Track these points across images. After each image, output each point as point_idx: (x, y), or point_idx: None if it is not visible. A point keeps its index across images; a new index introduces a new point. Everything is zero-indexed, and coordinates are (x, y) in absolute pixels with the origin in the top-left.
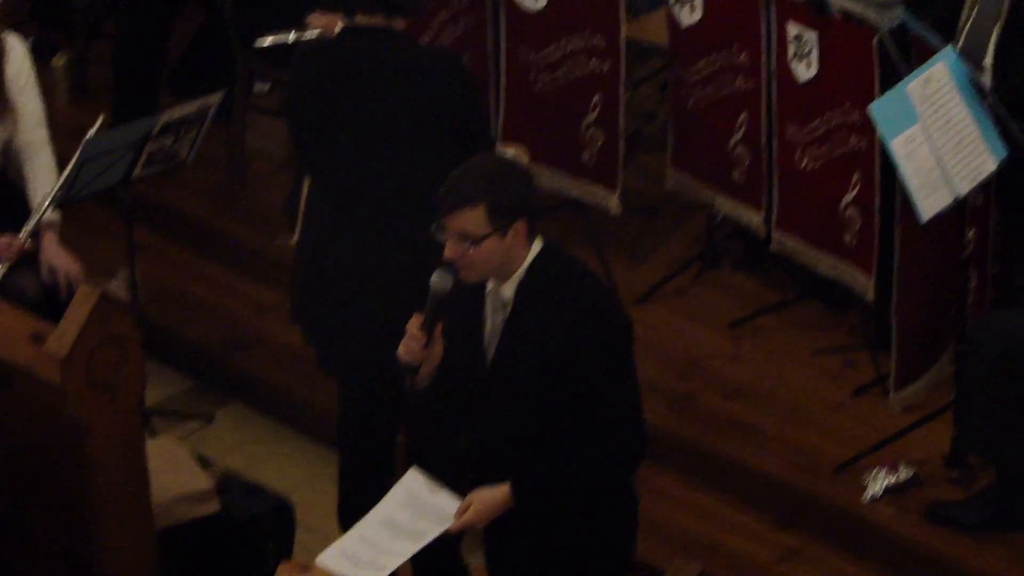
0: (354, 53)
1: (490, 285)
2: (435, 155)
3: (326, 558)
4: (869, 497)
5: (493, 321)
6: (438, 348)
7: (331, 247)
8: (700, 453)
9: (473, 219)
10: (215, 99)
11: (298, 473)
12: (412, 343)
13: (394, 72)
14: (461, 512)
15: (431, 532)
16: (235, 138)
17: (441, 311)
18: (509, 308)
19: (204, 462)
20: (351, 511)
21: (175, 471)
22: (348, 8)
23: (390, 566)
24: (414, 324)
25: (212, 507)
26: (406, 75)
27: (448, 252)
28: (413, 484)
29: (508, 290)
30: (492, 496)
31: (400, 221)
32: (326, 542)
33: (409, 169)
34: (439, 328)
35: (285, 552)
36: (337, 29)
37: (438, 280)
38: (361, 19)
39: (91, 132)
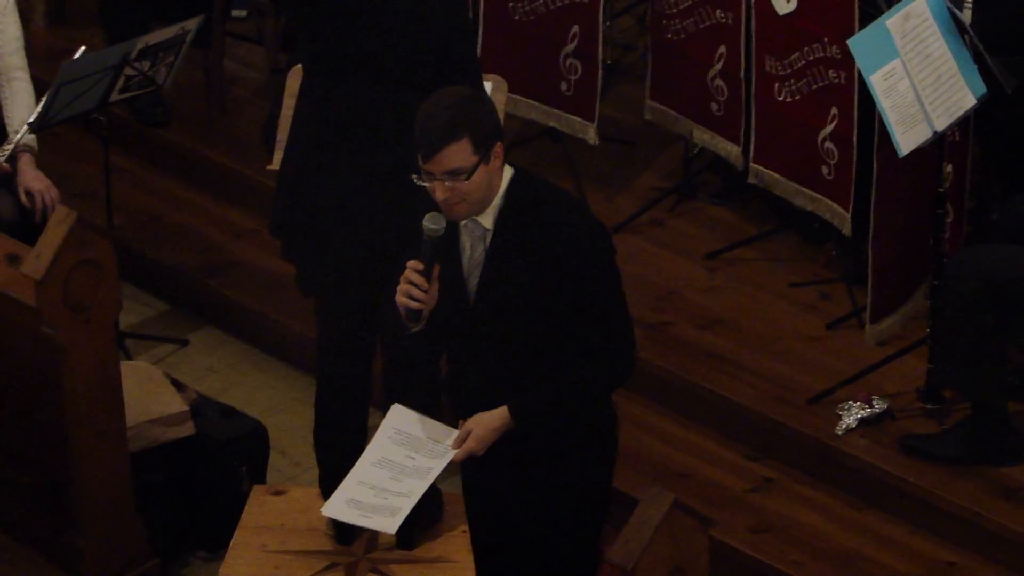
0: None
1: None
2: (428, 88)
3: (331, 509)
4: (843, 429)
5: (472, 252)
6: (435, 291)
7: (321, 169)
8: (675, 383)
9: (461, 153)
10: (193, 24)
11: (272, 397)
12: (414, 290)
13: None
14: (461, 440)
15: (436, 465)
16: (213, 63)
17: (438, 254)
18: (489, 237)
19: (178, 385)
20: (327, 436)
21: (150, 394)
22: None
23: (404, 508)
24: (413, 270)
25: (186, 430)
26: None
27: (439, 194)
28: (400, 420)
29: (487, 220)
30: (491, 420)
31: (392, 148)
32: (299, 467)
33: (405, 99)
34: (436, 272)
35: (259, 475)
36: None
37: (431, 223)
38: None
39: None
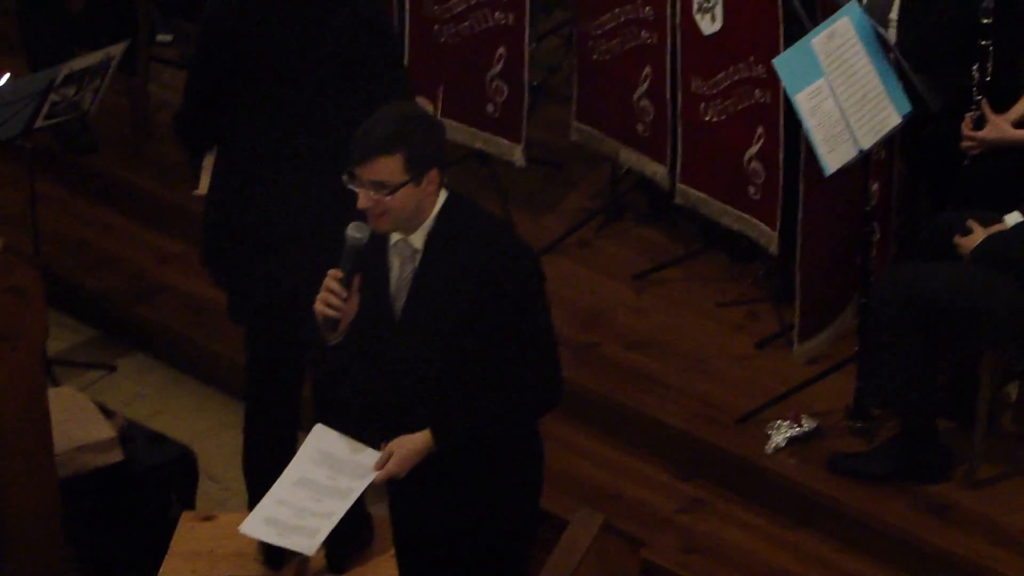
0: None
1: (395, 237)
2: (356, 105)
3: (249, 527)
4: (772, 448)
5: (401, 272)
6: (354, 302)
7: (249, 195)
8: (604, 404)
9: (389, 167)
10: (118, 50)
11: (201, 423)
12: (332, 298)
13: (318, 15)
14: (382, 463)
15: (357, 487)
16: (138, 88)
17: (360, 264)
18: (419, 258)
19: (107, 412)
20: (256, 461)
21: (78, 420)
22: None
23: (324, 529)
24: (333, 278)
25: (115, 456)
26: (331, 17)
27: (362, 202)
28: (322, 440)
29: (417, 240)
30: (413, 443)
31: (320, 171)
32: (229, 492)
33: (330, 118)
34: (356, 282)
35: (188, 501)
36: None
37: (355, 231)
38: None
39: None
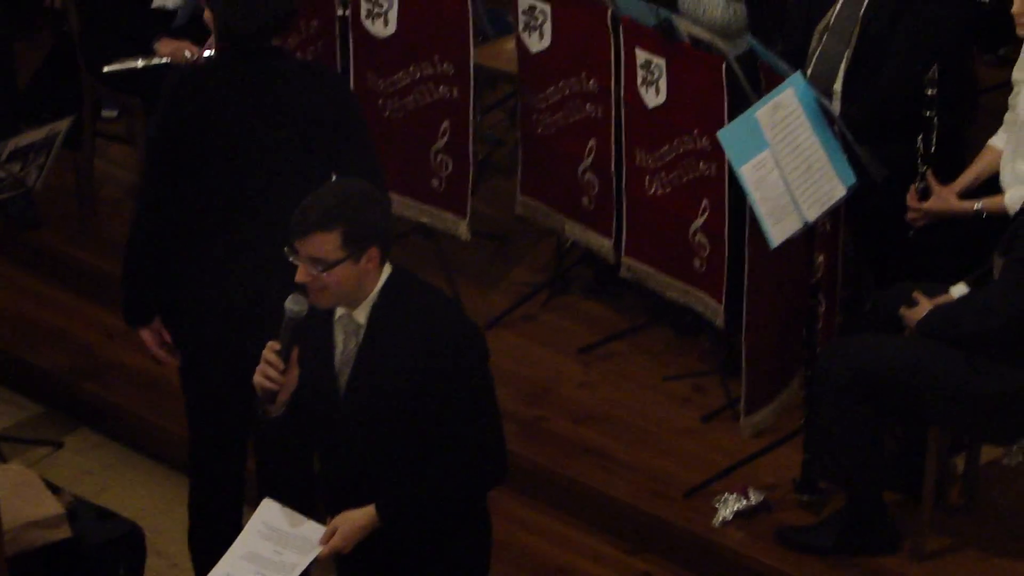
0: (238, 74)
1: (340, 311)
2: (320, 178)
3: None
4: (719, 521)
5: (345, 346)
6: (294, 375)
7: (204, 274)
8: (551, 478)
9: (327, 244)
10: (63, 125)
11: (149, 499)
12: (269, 370)
13: (282, 91)
14: (327, 538)
15: (301, 562)
16: (84, 164)
17: (298, 336)
18: (363, 333)
19: (54, 488)
20: (202, 537)
21: (25, 497)
22: (233, 36)
23: None
24: (270, 350)
25: (63, 533)
26: (295, 94)
27: (300, 276)
28: (269, 514)
29: (360, 315)
30: (358, 518)
31: (278, 249)
32: (177, 568)
33: (293, 194)
34: (295, 354)
35: None
36: (206, 53)
37: (293, 304)
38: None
39: None
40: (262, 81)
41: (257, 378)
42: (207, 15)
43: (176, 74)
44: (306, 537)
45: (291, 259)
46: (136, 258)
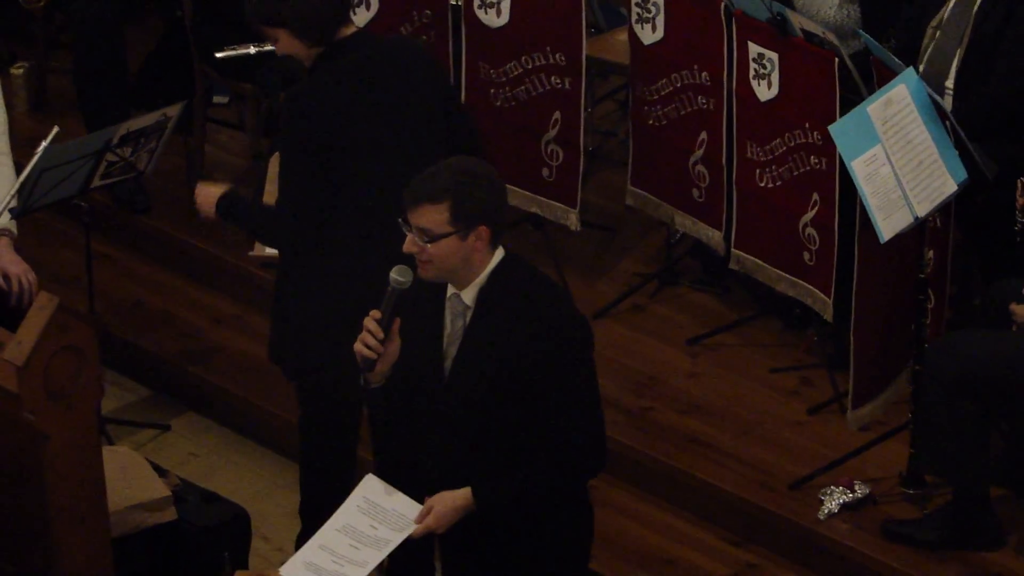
0: (371, 63)
1: (450, 291)
2: (439, 155)
3: (288, 569)
4: (825, 514)
5: (453, 327)
6: (394, 345)
7: (360, 265)
8: (657, 468)
9: (435, 216)
10: (175, 110)
11: (254, 483)
12: (369, 338)
13: (397, 73)
14: (422, 517)
15: (393, 539)
16: (194, 149)
17: (400, 307)
18: (470, 314)
19: (160, 471)
20: (312, 519)
21: (132, 479)
22: (336, 20)
23: None
24: (371, 319)
25: (169, 515)
26: (406, 72)
27: (407, 246)
28: (371, 490)
29: (468, 296)
30: (453, 499)
31: None
32: (282, 551)
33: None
34: (396, 324)
35: (241, 561)
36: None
37: (398, 275)
38: (344, 29)
39: (45, 143)
40: (376, 67)
41: (357, 346)
42: (283, 40)
43: (306, 91)
44: (402, 514)
45: (404, 229)
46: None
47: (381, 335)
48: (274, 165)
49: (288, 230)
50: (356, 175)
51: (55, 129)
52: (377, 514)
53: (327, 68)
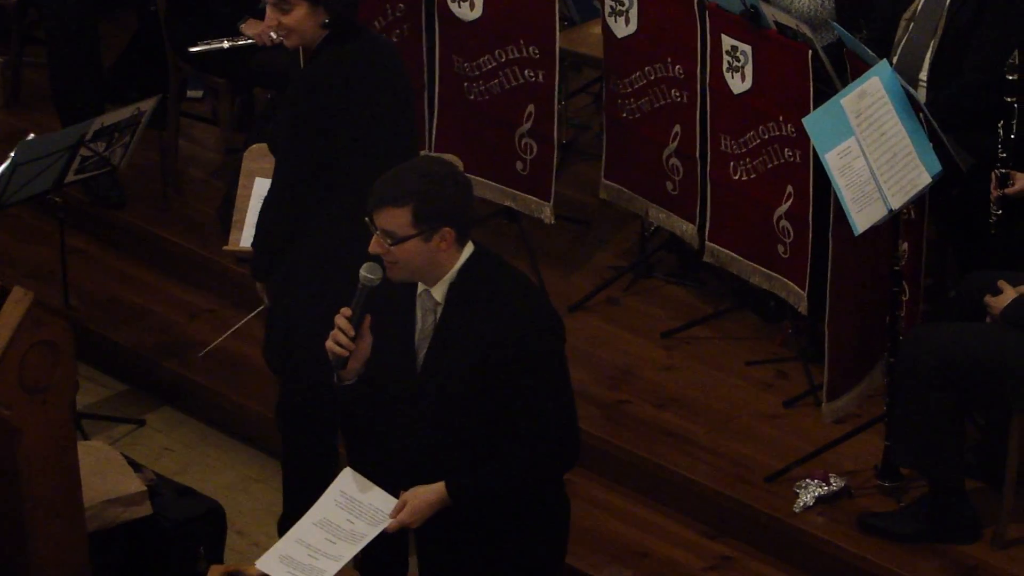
0: (371, 55)
1: (420, 287)
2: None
3: (264, 562)
4: (800, 507)
5: (424, 323)
6: (366, 342)
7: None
8: (632, 461)
9: (398, 218)
10: (149, 105)
11: (229, 476)
12: (340, 335)
13: (389, 67)
14: (397, 511)
15: (368, 533)
16: (168, 144)
17: (371, 304)
18: (440, 310)
19: (135, 465)
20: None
21: (106, 474)
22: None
23: (329, 571)
24: (342, 316)
25: (144, 510)
26: (395, 68)
27: (372, 246)
28: (347, 484)
29: (438, 292)
30: (427, 494)
31: None
32: (257, 545)
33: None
34: (367, 321)
35: (216, 555)
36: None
37: (367, 273)
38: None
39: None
40: (376, 59)
41: (328, 343)
42: (299, 13)
43: (325, 68)
44: (377, 508)
45: (370, 229)
46: (270, 237)
47: (352, 332)
48: (249, 159)
49: (282, 213)
50: (350, 165)
51: (31, 136)
52: (354, 508)
53: (337, 52)
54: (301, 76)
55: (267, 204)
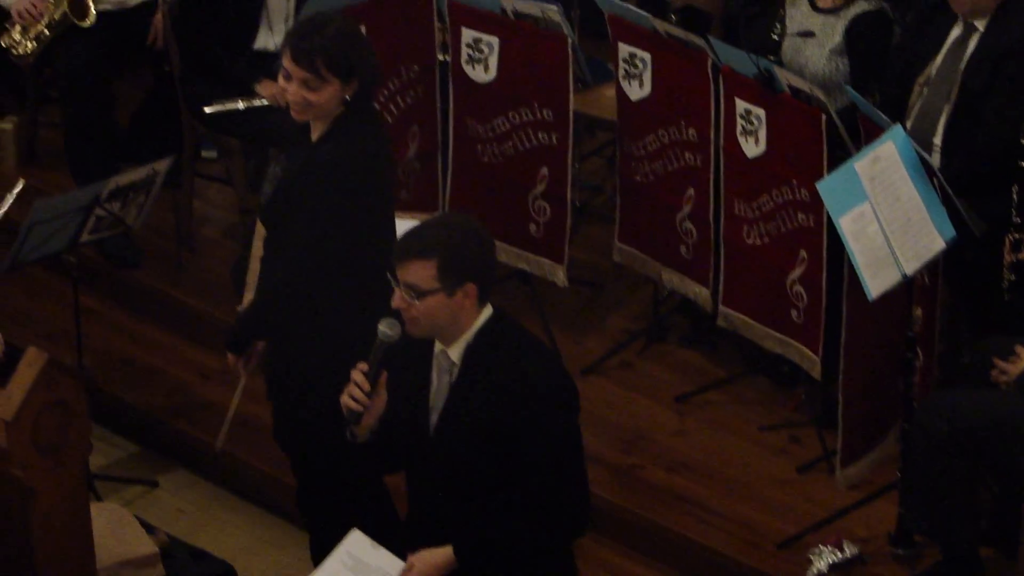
0: (375, 125)
1: (438, 347)
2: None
3: None
4: (814, 573)
5: (439, 383)
6: (381, 399)
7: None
8: (644, 526)
9: (422, 272)
10: (163, 165)
11: (241, 539)
12: (355, 390)
13: (388, 138)
14: (404, 574)
15: None
16: (183, 204)
17: (387, 361)
18: (456, 371)
19: (148, 527)
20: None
21: (120, 535)
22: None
23: None
24: (359, 371)
25: (157, 572)
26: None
27: (395, 301)
28: (355, 545)
29: (455, 353)
30: (434, 557)
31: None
32: None
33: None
34: (383, 378)
35: None
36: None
37: (386, 328)
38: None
39: (10, 197)
40: (384, 132)
41: (343, 398)
42: (330, 91)
43: (344, 153)
44: (384, 570)
45: (393, 284)
46: (273, 312)
47: (368, 388)
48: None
49: (292, 294)
50: (363, 243)
51: (20, 183)
52: (360, 570)
53: (360, 131)
54: (328, 158)
55: (278, 283)
